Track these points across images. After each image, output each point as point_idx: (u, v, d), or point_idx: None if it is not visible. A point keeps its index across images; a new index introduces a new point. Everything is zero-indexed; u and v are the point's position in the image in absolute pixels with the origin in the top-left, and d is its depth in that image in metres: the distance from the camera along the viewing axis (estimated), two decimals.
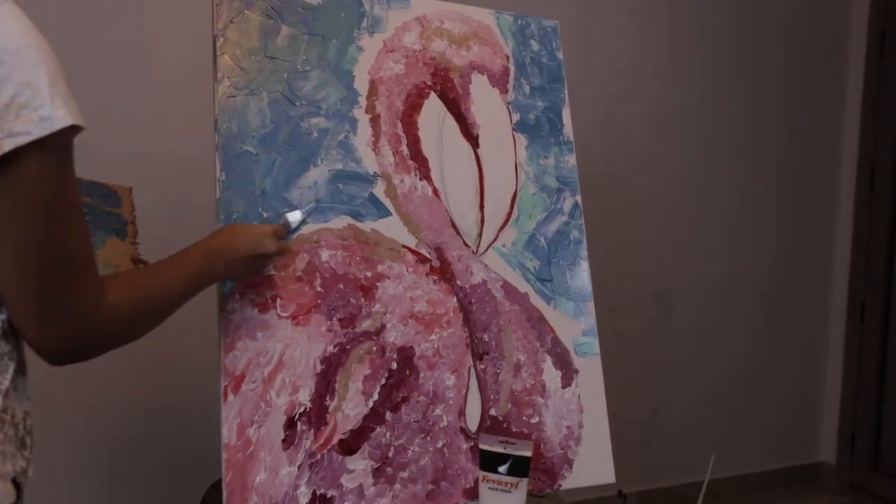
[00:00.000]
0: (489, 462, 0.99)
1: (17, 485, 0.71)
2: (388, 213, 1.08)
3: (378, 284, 1.05)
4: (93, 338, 0.72)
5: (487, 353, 1.11)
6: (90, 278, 0.70)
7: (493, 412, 1.09)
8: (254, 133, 1.02)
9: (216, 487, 1.12)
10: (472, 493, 1.05)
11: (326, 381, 1.00)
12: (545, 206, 1.20)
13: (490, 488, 0.98)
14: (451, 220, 1.13)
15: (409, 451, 1.03)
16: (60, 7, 1.41)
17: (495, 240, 1.15)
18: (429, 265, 1.10)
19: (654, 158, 2.10)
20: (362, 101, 1.10)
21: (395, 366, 1.04)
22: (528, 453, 0.98)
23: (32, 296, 0.66)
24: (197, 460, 1.38)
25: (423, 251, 1.09)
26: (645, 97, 2.07)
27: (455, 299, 1.10)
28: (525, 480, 0.97)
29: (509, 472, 0.98)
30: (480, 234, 1.14)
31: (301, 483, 0.96)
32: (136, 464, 1.50)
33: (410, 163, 1.11)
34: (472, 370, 1.09)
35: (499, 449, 0.98)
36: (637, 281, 2.10)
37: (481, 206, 1.16)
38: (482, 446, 0.99)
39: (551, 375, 1.14)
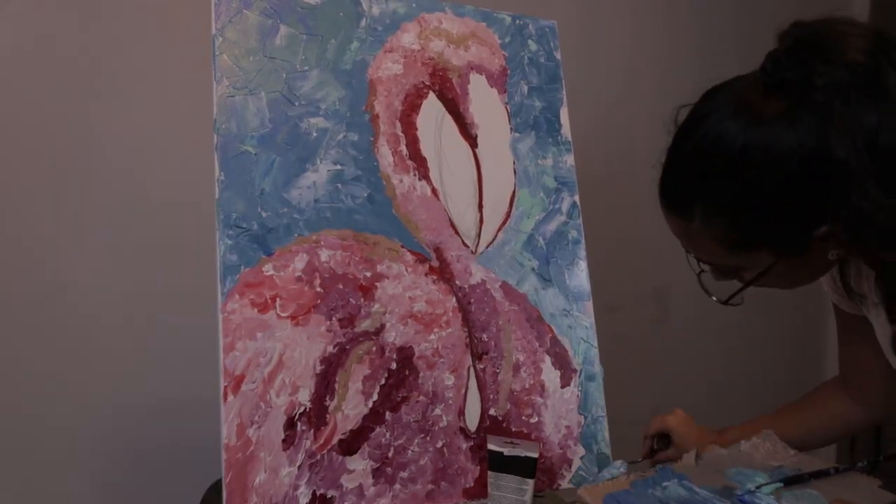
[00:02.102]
0: (497, 463, 0.99)
1: None
2: (387, 213, 1.08)
3: (377, 284, 1.05)
4: None
5: (486, 353, 1.11)
6: None
7: (492, 412, 1.09)
8: (252, 133, 1.02)
9: (216, 487, 1.12)
10: (472, 493, 1.05)
11: (326, 382, 1.00)
12: (543, 206, 1.21)
13: (498, 489, 0.98)
14: (449, 220, 1.13)
15: (409, 451, 1.03)
16: (59, 5, 1.41)
17: (494, 240, 1.15)
18: (428, 265, 1.10)
19: (654, 158, 2.10)
20: (361, 101, 1.10)
21: (394, 366, 1.04)
22: (535, 454, 0.98)
23: None
24: (197, 460, 1.38)
25: (422, 251, 1.10)
26: (645, 97, 2.07)
27: (454, 299, 1.10)
28: (532, 481, 0.97)
29: (518, 473, 0.98)
30: (479, 234, 1.14)
31: (301, 483, 0.96)
32: (136, 464, 1.50)
33: (409, 163, 1.12)
34: (472, 370, 1.09)
35: (506, 450, 0.98)
36: (637, 281, 2.10)
37: (480, 207, 1.16)
38: (490, 447, 0.99)
39: (550, 375, 1.14)
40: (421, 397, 1.05)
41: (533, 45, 1.25)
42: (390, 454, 1.01)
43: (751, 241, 0.78)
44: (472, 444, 1.07)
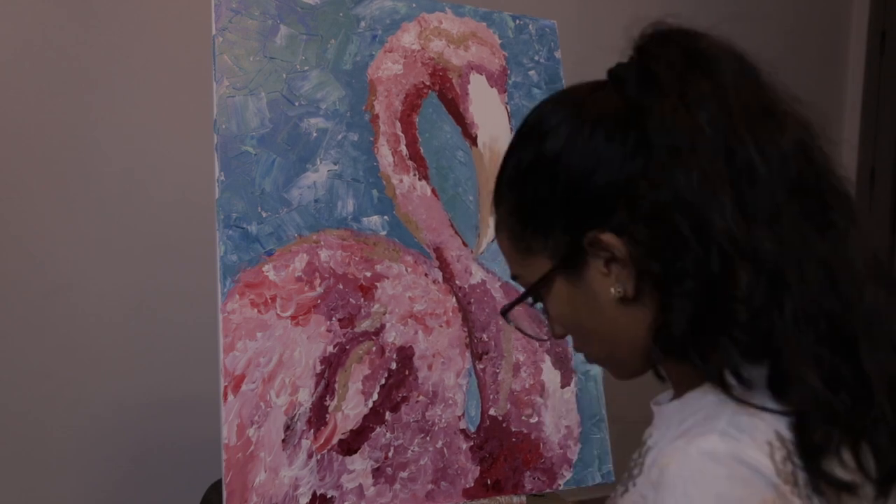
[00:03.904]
0: None
1: None
2: (387, 213, 1.08)
3: (377, 284, 1.05)
4: None
5: (487, 353, 1.11)
6: None
7: (492, 412, 1.09)
8: (252, 133, 1.02)
9: (216, 487, 1.12)
10: (472, 493, 1.05)
11: (326, 382, 1.00)
12: None
13: None
14: (449, 220, 1.13)
15: (409, 451, 1.03)
16: (59, 6, 1.41)
17: (494, 240, 1.15)
18: (427, 265, 1.10)
19: None
20: (361, 101, 1.10)
21: (394, 366, 1.04)
22: None
23: None
24: (197, 460, 1.38)
25: (422, 251, 1.10)
26: None
27: (454, 299, 1.10)
28: None
29: None
30: (479, 235, 1.15)
31: (301, 483, 0.96)
32: (136, 464, 1.50)
33: (409, 163, 1.12)
34: (472, 370, 1.09)
35: None
36: None
37: (480, 207, 1.16)
38: None
39: (550, 375, 1.14)
40: (421, 397, 1.05)
41: (533, 45, 1.25)
42: (390, 454, 1.01)
43: (530, 237, 0.65)
44: (471, 444, 1.06)
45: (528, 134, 0.65)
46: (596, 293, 0.61)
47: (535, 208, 0.64)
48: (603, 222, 0.59)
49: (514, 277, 0.71)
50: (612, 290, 0.60)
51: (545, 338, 0.70)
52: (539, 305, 0.70)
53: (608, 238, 0.58)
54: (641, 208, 0.56)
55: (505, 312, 0.73)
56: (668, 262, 0.55)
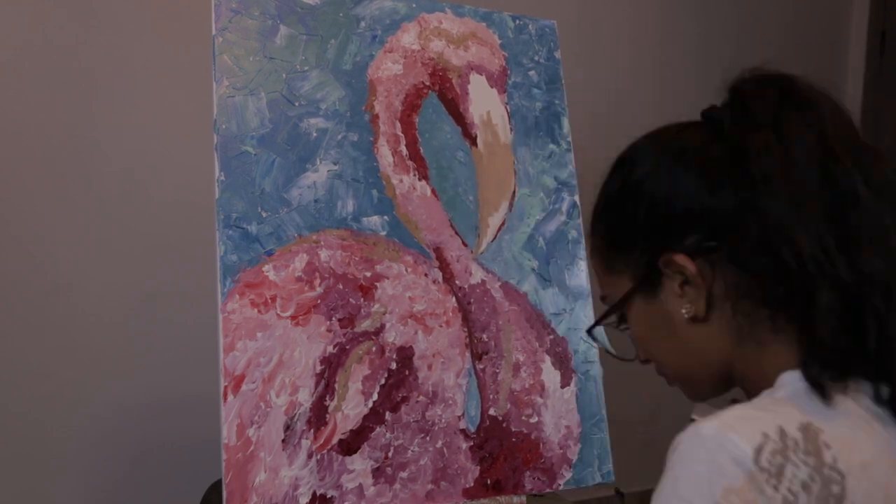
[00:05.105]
0: None
1: None
2: (387, 214, 1.08)
3: (377, 284, 1.05)
4: None
5: (486, 353, 1.11)
6: None
7: (492, 412, 1.09)
8: (252, 133, 1.02)
9: (216, 487, 1.12)
10: (472, 492, 1.05)
11: (326, 382, 1.00)
12: (543, 206, 1.21)
13: None
14: (449, 220, 1.13)
15: (409, 451, 1.03)
16: (58, 5, 1.41)
17: (494, 240, 1.15)
18: (427, 265, 1.10)
19: None
20: (361, 102, 1.10)
21: (394, 366, 1.04)
22: None
23: None
24: (197, 460, 1.38)
25: (422, 251, 1.10)
26: (645, 97, 2.07)
27: (454, 299, 1.10)
28: None
29: None
30: (479, 235, 1.14)
31: (301, 483, 0.96)
32: (136, 464, 1.50)
33: (409, 163, 1.12)
34: (472, 370, 1.09)
35: None
36: None
37: (480, 207, 1.16)
38: None
39: (550, 375, 1.14)
40: (421, 397, 1.05)
41: (533, 45, 1.25)
42: (390, 454, 1.01)
43: (615, 257, 0.71)
44: (471, 444, 1.07)
45: (619, 165, 0.73)
46: (670, 314, 0.66)
47: (620, 230, 0.70)
48: (678, 245, 0.63)
49: (602, 299, 0.75)
50: (684, 309, 0.65)
51: (630, 357, 0.75)
52: (624, 327, 0.74)
53: (680, 259, 0.63)
54: (729, 233, 0.61)
55: (590, 331, 0.77)
56: (763, 285, 0.60)
